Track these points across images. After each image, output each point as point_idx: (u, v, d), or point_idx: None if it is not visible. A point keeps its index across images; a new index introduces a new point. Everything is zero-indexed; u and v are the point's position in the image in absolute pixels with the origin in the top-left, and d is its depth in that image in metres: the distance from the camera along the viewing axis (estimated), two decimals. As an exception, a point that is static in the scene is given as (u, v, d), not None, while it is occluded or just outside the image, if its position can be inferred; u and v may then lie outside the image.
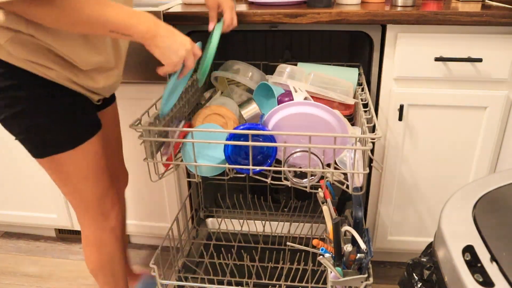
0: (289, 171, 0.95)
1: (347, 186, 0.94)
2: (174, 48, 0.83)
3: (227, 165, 0.96)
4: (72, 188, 1.00)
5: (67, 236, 1.81)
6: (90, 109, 0.99)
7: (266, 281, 1.35)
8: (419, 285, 0.82)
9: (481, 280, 0.66)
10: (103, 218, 1.06)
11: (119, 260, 1.15)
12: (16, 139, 0.92)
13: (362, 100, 1.12)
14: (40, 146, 0.92)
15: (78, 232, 1.79)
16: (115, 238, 1.11)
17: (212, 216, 1.67)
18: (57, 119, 0.91)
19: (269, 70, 1.64)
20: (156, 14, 1.23)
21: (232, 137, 0.94)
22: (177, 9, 1.32)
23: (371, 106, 1.05)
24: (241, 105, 1.10)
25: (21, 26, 0.79)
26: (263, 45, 1.93)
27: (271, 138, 0.95)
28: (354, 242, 0.96)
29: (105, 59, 0.95)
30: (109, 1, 0.78)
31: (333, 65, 1.31)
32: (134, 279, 1.43)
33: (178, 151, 1.05)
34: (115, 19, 0.78)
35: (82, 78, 0.92)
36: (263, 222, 1.63)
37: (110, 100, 1.15)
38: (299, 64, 1.27)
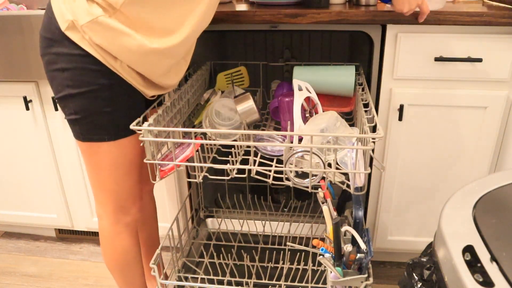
0: (291, 171, 0.95)
1: (348, 186, 0.95)
2: None
3: (228, 166, 0.96)
4: (102, 177, 1.01)
5: (67, 236, 1.81)
6: (141, 106, 1.00)
7: (266, 281, 1.35)
8: (419, 285, 0.82)
9: (481, 280, 0.66)
10: (122, 212, 1.06)
11: (134, 255, 1.14)
12: (65, 118, 0.96)
13: (362, 100, 1.12)
14: (85, 130, 0.95)
15: (78, 232, 1.79)
16: (131, 233, 1.10)
17: (212, 216, 1.67)
18: (108, 109, 0.93)
19: (269, 70, 1.65)
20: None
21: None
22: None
23: (372, 106, 1.05)
24: (237, 97, 1.09)
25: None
26: (263, 45, 1.93)
27: None
28: (354, 242, 0.96)
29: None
30: None
31: (332, 65, 1.30)
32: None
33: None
34: None
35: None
36: (263, 222, 1.63)
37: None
38: (295, 68, 1.25)
